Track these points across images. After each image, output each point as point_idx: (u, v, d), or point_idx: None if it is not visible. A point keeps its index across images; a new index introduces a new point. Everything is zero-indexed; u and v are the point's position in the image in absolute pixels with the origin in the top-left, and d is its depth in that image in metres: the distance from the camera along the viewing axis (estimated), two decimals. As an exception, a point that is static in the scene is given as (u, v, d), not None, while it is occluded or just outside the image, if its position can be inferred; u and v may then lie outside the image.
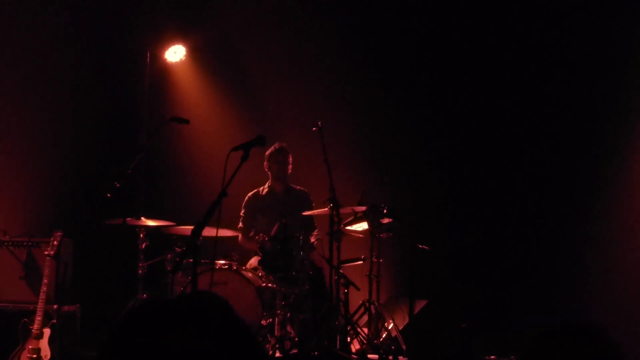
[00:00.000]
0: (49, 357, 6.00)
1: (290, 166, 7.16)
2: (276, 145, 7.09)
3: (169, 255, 6.26)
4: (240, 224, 7.13)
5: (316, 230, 6.97)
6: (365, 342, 6.22)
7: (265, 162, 7.16)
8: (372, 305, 6.33)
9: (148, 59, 8.00)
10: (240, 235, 7.05)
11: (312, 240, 6.55)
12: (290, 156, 7.15)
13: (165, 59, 8.13)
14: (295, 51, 8.21)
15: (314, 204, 7.03)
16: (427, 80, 8.04)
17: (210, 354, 1.43)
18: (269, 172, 7.20)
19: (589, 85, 7.65)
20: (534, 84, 7.82)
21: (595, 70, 7.62)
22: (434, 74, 8.04)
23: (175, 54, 8.10)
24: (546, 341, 1.92)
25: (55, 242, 6.31)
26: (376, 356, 6.11)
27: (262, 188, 7.26)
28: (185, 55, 8.14)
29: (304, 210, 6.80)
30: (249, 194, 7.24)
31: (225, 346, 1.45)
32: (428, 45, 8.06)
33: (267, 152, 7.10)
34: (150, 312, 1.47)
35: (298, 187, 7.28)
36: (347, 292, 6.22)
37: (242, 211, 7.19)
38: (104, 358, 1.47)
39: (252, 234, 6.77)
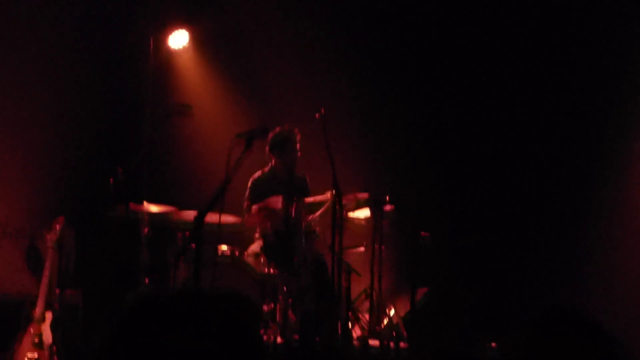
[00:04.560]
0: (50, 341, 5.97)
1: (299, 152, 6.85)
2: (289, 127, 6.73)
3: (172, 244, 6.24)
4: (246, 205, 6.75)
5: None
6: (366, 328, 6.23)
7: (272, 146, 6.74)
8: (373, 293, 6.34)
9: (151, 45, 7.99)
10: (245, 216, 6.71)
11: (316, 229, 6.49)
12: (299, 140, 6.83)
13: (169, 46, 8.11)
14: (299, 39, 8.19)
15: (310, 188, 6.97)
16: (431, 71, 8.05)
17: (211, 352, 1.40)
18: (276, 157, 6.80)
19: (590, 85, 7.66)
20: (535, 80, 7.84)
21: (596, 70, 7.63)
22: (437, 65, 8.05)
23: (179, 40, 8.07)
24: (538, 335, 1.79)
25: (57, 227, 6.28)
26: (377, 342, 6.13)
27: (265, 169, 6.87)
28: (189, 42, 8.12)
29: (305, 195, 6.75)
30: (254, 176, 6.83)
31: (226, 344, 1.42)
32: (432, 37, 8.07)
33: (275, 137, 6.68)
34: (151, 308, 1.45)
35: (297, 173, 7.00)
36: (349, 279, 6.23)
37: (247, 193, 6.81)
38: (104, 354, 1.45)
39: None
